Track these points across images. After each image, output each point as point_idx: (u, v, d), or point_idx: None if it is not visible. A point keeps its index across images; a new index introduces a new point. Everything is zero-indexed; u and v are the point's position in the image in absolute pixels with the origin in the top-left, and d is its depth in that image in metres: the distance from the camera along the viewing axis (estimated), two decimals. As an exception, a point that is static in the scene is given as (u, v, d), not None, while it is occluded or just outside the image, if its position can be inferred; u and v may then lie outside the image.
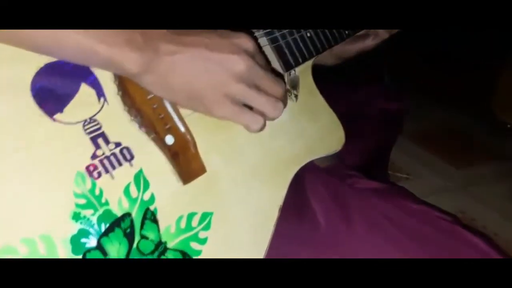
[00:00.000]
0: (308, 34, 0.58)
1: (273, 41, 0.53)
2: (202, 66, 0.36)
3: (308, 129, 0.54)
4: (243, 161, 0.45)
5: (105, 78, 0.37)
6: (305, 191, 0.56)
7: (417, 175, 0.93)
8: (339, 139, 0.58)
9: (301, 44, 0.56)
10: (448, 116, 1.28)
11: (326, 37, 0.61)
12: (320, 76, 1.08)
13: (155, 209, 0.38)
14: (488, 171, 0.96)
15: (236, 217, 0.43)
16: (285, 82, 0.45)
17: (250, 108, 0.40)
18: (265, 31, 0.53)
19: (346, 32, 0.65)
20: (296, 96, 0.54)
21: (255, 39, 0.40)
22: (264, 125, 0.40)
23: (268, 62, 0.42)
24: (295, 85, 0.55)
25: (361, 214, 0.53)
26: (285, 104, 0.42)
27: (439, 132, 1.18)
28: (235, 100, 0.37)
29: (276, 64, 0.53)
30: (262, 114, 0.39)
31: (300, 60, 0.56)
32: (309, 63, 0.58)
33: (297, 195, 0.54)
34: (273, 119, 0.40)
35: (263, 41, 0.53)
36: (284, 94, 0.41)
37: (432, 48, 2.02)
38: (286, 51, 0.54)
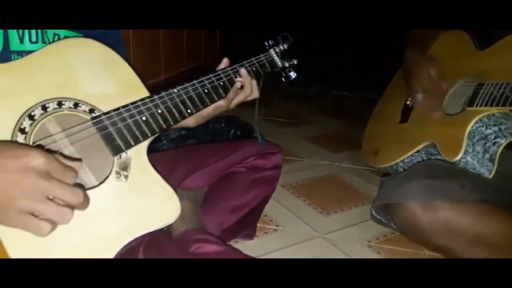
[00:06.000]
0: (144, 118, 0.65)
1: (100, 129, 0.59)
2: None
3: (139, 206, 0.60)
4: (60, 245, 0.50)
5: None
6: (136, 255, 0.61)
7: (287, 225, 1.01)
8: (173, 211, 0.64)
9: (134, 128, 0.63)
10: (324, 164, 1.41)
11: (165, 119, 0.68)
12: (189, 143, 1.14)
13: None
14: (348, 217, 1.07)
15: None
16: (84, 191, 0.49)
17: None
18: (93, 120, 0.59)
19: (188, 110, 0.73)
20: (126, 176, 0.61)
21: (46, 153, 0.45)
22: (52, 229, 0.45)
23: (72, 170, 0.47)
24: (125, 166, 0.61)
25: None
26: (82, 208, 0.48)
27: (314, 180, 1.29)
28: (22, 212, 0.43)
29: (104, 149, 0.60)
30: (49, 221, 0.45)
31: (133, 143, 0.62)
32: (144, 144, 0.65)
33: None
34: (64, 223, 0.46)
35: (91, 130, 0.59)
36: (79, 204, 0.46)
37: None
38: (116, 136, 0.60)
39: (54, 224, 0.45)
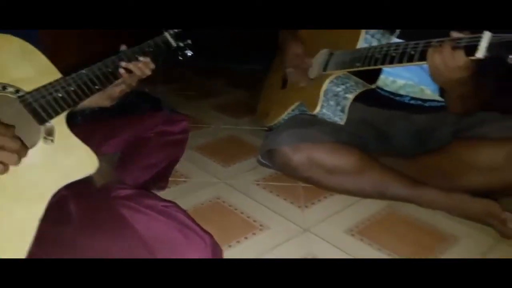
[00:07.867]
0: (60, 95, 0.82)
1: (26, 105, 0.76)
2: None
3: (64, 162, 0.78)
4: (5, 191, 0.68)
5: None
6: (67, 202, 0.81)
7: (194, 176, 1.25)
8: (92, 164, 0.82)
9: (52, 103, 0.80)
10: (228, 128, 1.67)
11: (77, 94, 0.86)
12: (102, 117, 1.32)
13: None
14: (244, 166, 1.34)
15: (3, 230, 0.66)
16: (21, 140, 0.68)
17: None
18: (20, 99, 0.76)
19: (96, 87, 0.91)
20: (52, 140, 0.78)
21: None
22: (5, 169, 0.63)
23: (10, 127, 0.65)
24: (51, 132, 0.79)
25: (108, 211, 0.80)
26: (22, 154, 0.66)
27: (219, 141, 1.54)
28: None
29: (31, 121, 0.77)
30: (2, 163, 0.63)
31: (54, 114, 0.79)
32: (63, 115, 0.82)
33: (59, 207, 0.78)
34: (14, 165, 0.64)
35: (19, 106, 0.76)
36: (18, 149, 0.65)
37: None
38: (39, 109, 0.77)
39: (6, 166, 0.63)
